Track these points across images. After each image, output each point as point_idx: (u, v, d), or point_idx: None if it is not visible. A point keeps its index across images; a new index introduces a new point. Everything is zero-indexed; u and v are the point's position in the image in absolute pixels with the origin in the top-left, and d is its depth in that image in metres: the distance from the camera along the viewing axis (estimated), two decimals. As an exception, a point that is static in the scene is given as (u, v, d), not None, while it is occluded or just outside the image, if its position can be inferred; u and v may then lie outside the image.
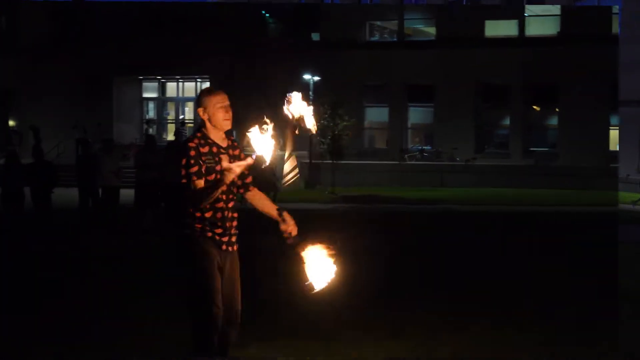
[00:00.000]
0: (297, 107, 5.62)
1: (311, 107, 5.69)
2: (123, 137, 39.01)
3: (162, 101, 44.98)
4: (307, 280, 5.45)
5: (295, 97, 5.62)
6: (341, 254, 5.49)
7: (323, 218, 20.78)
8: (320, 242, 5.51)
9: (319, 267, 5.45)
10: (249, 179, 5.90)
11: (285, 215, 5.69)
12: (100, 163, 16.49)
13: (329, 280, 5.44)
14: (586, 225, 19.35)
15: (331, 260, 5.48)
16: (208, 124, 5.73)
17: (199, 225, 5.66)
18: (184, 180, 5.58)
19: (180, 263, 5.70)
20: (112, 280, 11.18)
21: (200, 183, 5.58)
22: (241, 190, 5.90)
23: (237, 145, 5.88)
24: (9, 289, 10.59)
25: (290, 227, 5.66)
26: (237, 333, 5.88)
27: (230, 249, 5.76)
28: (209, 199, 5.57)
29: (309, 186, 34.13)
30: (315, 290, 5.45)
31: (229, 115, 5.73)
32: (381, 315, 8.65)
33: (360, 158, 37.05)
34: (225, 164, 5.50)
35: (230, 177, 5.49)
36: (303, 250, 5.51)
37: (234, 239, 5.80)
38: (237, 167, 5.51)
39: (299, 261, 5.48)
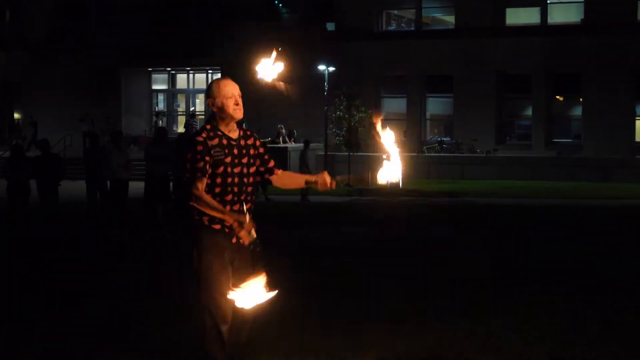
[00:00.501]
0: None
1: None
2: (132, 130, 38.75)
3: (172, 93, 44.68)
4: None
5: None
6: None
7: (339, 212, 21.27)
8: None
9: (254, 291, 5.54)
10: (272, 163, 5.86)
11: (320, 177, 5.78)
12: (108, 156, 16.22)
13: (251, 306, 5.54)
14: (607, 220, 19.14)
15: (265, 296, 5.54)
16: (218, 115, 5.67)
17: (207, 218, 5.59)
18: (187, 175, 5.54)
19: (191, 255, 5.68)
20: (119, 276, 11.11)
21: (202, 182, 5.54)
22: (266, 176, 5.87)
23: (251, 134, 5.81)
24: (11, 286, 10.55)
25: (325, 180, 5.76)
26: (249, 332, 5.84)
27: (241, 241, 5.65)
28: (202, 208, 5.56)
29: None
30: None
31: (240, 105, 5.65)
32: (386, 309, 8.56)
33: (378, 150, 36.53)
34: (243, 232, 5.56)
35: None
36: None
37: None
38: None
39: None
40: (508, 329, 7.60)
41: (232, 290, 5.52)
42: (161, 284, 10.20)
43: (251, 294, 5.48)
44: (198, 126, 35.90)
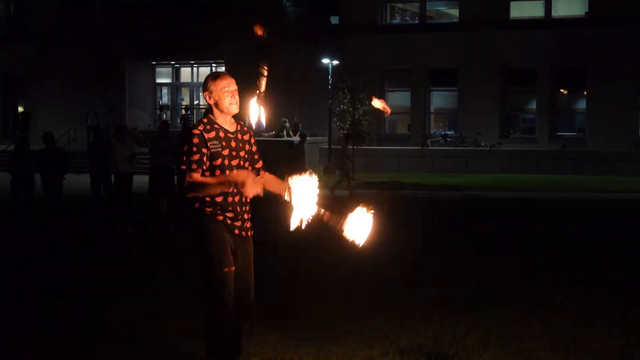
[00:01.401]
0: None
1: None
2: (136, 123, 38.71)
3: (176, 86, 44.65)
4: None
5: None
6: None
7: (343, 205, 20.40)
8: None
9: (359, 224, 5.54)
10: (260, 164, 5.89)
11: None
12: (113, 150, 16.16)
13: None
14: (611, 213, 19.09)
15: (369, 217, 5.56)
16: (215, 109, 5.71)
17: (209, 209, 5.62)
18: (183, 167, 5.57)
19: (193, 248, 5.71)
20: (121, 271, 11.13)
21: (198, 173, 5.55)
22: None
23: (247, 130, 5.86)
24: (12, 281, 10.51)
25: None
26: (251, 324, 5.90)
27: (243, 234, 5.72)
28: (205, 193, 5.55)
29: (328, 172, 33.76)
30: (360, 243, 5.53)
31: (236, 99, 5.70)
32: (388, 304, 8.58)
33: (382, 143, 36.69)
34: (248, 187, 5.43)
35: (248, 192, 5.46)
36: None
37: (247, 224, 5.76)
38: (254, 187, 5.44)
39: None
40: (510, 324, 7.59)
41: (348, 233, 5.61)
42: (164, 278, 10.18)
43: (360, 226, 5.58)
44: (194, 119, 35.98)
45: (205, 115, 5.79)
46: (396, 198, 23.70)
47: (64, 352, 6.88)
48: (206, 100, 5.75)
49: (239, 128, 5.81)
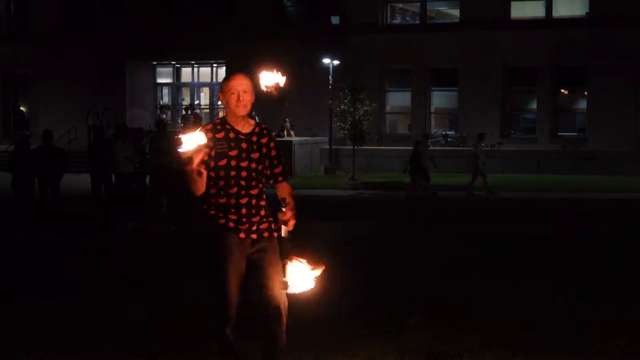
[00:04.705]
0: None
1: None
2: (137, 123, 38.64)
3: (176, 86, 44.67)
4: (284, 277, 5.41)
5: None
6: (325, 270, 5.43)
7: (343, 205, 20.70)
8: (307, 256, 5.45)
9: (300, 274, 5.40)
10: (279, 169, 5.72)
11: (287, 207, 5.50)
12: (113, 149, 16.12)
13: (304, 290, 5.42)
14: (611, 213, 19.07)
15: (313, 275, 5.42)
16: (227, 110, 5.67)
17: (213, 212, 5.57)
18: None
19: (202, 250, 5.65)
20: (121, 270, 11.07)
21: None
22: (270, 181, 5.72)
23: (267, 133, 5.72)
24: (10, 281, 10.42)
25: (286, 217, 5.49)
26: (283, 333, 5.62)
27: (252, 236, 5.56)
28: (192, 185, 5.43)
29: (328, 172, 33.85)
30: (287, 289, 5.41)
31: (242, 101, 5.58)
32: (387, 304, 8.54)
33: (382, 143, 36.70)
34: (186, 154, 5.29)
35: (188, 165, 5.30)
36: (290, 259, 5.44)
37: (254, 227, 5.57)
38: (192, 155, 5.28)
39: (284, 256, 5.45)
40: (511, 324, 7.58)
41: (284, 279, 5.38)
42: (164, 278, 10.14)
43: (300, 277, 5.36)
44: (194, 119, 35.96)
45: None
46: (396, 198, 23.73)
47: (62, 350, 6.86)
48: (220, 101, 5.76)
49: (256, 130, 5.67)
